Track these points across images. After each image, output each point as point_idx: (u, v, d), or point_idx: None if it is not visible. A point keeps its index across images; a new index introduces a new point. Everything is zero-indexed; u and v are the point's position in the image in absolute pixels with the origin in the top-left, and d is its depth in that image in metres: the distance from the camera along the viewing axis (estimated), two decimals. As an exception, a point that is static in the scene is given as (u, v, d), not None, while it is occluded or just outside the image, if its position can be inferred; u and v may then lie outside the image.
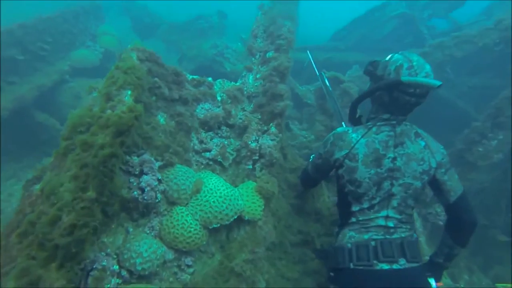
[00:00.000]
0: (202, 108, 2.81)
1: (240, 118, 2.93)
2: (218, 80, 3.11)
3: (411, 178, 2.10)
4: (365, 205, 2.15)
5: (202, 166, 2.62)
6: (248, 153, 2.68)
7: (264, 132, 2.85)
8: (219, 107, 2.90)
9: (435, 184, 2.21)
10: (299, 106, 4.60)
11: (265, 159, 2.65)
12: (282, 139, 2.86)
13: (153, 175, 2.06)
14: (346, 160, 2.18)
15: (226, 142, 2.79)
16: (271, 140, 2.73)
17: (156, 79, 2.43)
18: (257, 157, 2.69)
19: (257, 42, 3.66)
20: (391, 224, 2.11)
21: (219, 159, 2.66)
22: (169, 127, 2.46)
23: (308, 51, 4.09)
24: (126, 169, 2.00)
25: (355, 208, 2.19)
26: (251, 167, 2.70)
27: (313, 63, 3.82)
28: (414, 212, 2.31)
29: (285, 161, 3.14)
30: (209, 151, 2.65)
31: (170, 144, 2.37)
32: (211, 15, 8.53)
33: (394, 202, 2.12)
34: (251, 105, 3.14)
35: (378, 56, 2.20)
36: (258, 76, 3.37)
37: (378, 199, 2.12)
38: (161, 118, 2.46)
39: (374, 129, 2.18)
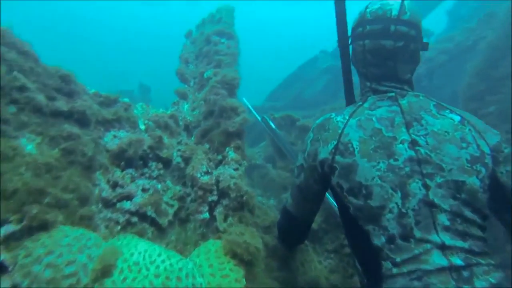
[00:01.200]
0: (114, 136, 1.71)
1: (179, 150, 1.89)
2: (139, 103, 2.12)
3: (457, 171, 1.20)
4: (394, 230, 1.18)
5: (119, 228, 1.41)
6: (200, 193, 1.58)
7: (219, 162, 1.83)
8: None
9: (496, 192, 1.27)
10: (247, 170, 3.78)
11: (230, 199, 1.57)
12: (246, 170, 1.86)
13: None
14: (337, 157, 1.29)
15: (159, 186, 1.67)
16: (233, 169, 1.71)
17: (16, 73, 1.34)
18: (215, 197, 1.60)
19: (189, 67, 2.86)
20: (457, 260, 1.12)
21: (149, 214, 1.50)
22: (46, 158, 1.29)
23: (244, 98, 3.53)
24: None
25: (377, 241, 1.20)
26: (207, 215, 1.57)
27: (251, 109, 3.23)
28: (485, 234, 1.26)
29: (252, 216, 2.07)
30: (130, 198, 1.49)
31: (46, 189, 1.19)
32: (132, 89, 7.74)
33: (443, 219, 1.16)
34: (192, 138, 2.16)
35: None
36: (195, 104, 2.49)
37: (412, 216, 1.16)
38: (28, 144, 1.31)
39: (366, 104, 1.38)
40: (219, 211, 1.56)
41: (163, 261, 1.23)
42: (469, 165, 1.20)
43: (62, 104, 1.45)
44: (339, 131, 1.32)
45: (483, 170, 1.21)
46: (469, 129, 1.27)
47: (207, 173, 1.68)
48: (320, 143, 1.36)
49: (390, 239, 1.17)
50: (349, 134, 1.30)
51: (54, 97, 1.45)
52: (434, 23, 8.11)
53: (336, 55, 7.49)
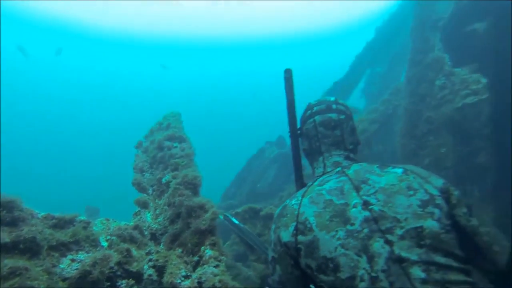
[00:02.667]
0: (72, 261, 1.50)
1: (150, 260, 1.71)
2: (98, 219, 1.95)
3: (412, 218, 1.19)
4: None
5: None
6: (184, 302, 1.38)
7: (197, 263, 1.67)
8: (106, 254, 1.64)
9: (461, 238, 1.26)
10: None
11: (217, 300, 1.39)
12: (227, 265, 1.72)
13: None
14: (299, 237, 1.27)
15: (132, 309, 1.44)
16: (214, 266, 1.56)
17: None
18: (201, 303, 1.41)
19: (145, 176, 2.80)
20: None
21: None
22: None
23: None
24: None
25: None
26: (196, 326, 1.35)
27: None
28: (470, 276, 1.19)
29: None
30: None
31: None
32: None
33: (417, 272, 1.09)
34: (161, 245, 1.99)
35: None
36: (158, 211, 2.37)
37: (384, 278, 1.09)
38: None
39: (315, 183, 1.44)
40: (208, 317, 1.35)
41: None
42: (421, 209, 1.20)
43: (4, 235, 1.27)
44: (296, 213, 1.33)
45: (436, 211, 1.21)
46: (413, 177, 1.31)
47: (186, 277, 1.51)
48: (281, 229, 1.35)
49: None
50: (304, 212, 1.30)
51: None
52: (355, 101, 9.37)
53: (280, 144, 8.04)
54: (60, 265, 1.43)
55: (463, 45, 4.66)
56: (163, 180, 2.52)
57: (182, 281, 1.47)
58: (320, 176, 1.50)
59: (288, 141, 7.31)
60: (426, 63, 4.97)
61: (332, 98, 1.72)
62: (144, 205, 2.39)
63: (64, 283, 1.35)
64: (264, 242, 2.77)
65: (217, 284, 1.41)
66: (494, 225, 4.33)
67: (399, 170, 1.35)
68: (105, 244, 1.76)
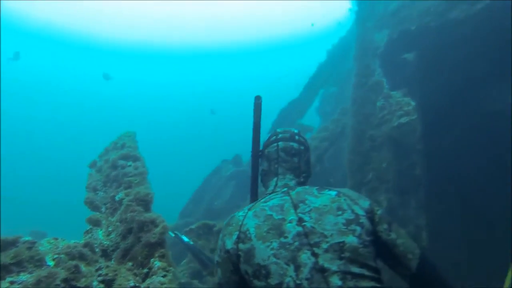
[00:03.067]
0: (10, 283, 1.54)
1: (100, 275, 1.78)
2: (44, 239, 1.98)
3: (337, 234, 1.41)
4: None
5: None
6: (131, 310, 1.48)
7: (146, 275, 1.77)
8: (54, 271, 1.69)
9: (382, 249, 1.54)
10: None
11: (163, 307, 1.51)
12: (175, 275, 1.84)
13: None
14: (240, 245, 1.46)
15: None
16: (162, 276, 1.68)
17: None
18: (148, 310, 1.51)
19: (98, 194, 2.83)
20: None
21: None
22: None
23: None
24: None
25: None
26: (142, 333, 1.45)
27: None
28: (381, 282, 1.44)
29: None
30: None
31: None
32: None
33: (335, 280, 1.30)
34: (112, 261, 2.06)
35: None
36: (110, 228, 2.43)
37: (307, 286, 1.29)
38: None
39: (262, 200, 1.66)
40: (154, 324, 1.46)
41: None
42: (345, 227, 1.42)
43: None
44: (240, 223, 1.52)
45: (358, 228, 1.43)
46: (344, 199, 1.54)
47: (135, 287, 1.60)
48: (226, 237, 1.53)
49: None
50: (247, 224, 1.49)
51: None
52: (310, 120, 9.88)
53: (237, 162, 8.22)
54: None
55: (397, 71, 5.25)
56: (117, 198, 2.58)
57: (130, 290, 1.56)
58: (269, 194, 1.69)
59: (244, 159, 7.54)
60: (368, 86, 5.49)
61: (296, 130, 1.93)
62: (96, 223, 2.43)
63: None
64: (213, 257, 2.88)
65: (164, 290, 1.53)
66: (426, 230, 4.81)
67: (333, 193, 1.57)
68: (51, 263, 1.79)
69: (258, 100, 1.98)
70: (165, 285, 1.55)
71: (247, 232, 1.45)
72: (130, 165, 2.98)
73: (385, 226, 1.51)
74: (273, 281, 1.30)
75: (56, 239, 2.00)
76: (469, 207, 5.10)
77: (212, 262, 2.73)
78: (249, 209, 1.57)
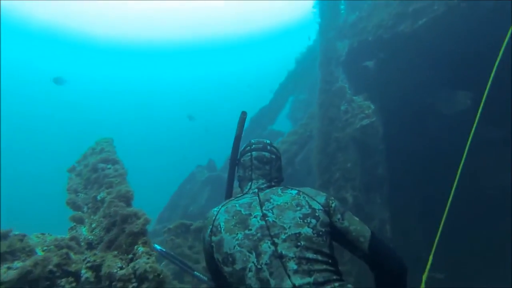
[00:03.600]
0: (8, 268, 1.70)
1: (89, 261, 1.95)
2: (33, 234, 2.12)
3: (294, 227, 1.64)
4: (255, 285, 1.53)
5: None
6: (119, 285, 1.68)
7: (131, 260, 1.97)
8: (45, 260, 1.85)
9: (340, 237, 1.79)
10: None
11: (149, 282, 1.72)
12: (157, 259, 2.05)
13: None
14: (213, 237, 1.71)
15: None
16: (146, 258, 1.89)
17: None
18: (135, 284, 1.71)
19: (80, 196, 2.97)
20: None
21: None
22: None
23: None
24: None
25: None
26: (131, 305, 1.65)
27: None
28: (334, 265, 1.70)
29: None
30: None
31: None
32: None
33: (292, 265, 1.54)
34: (97, 252, 2.22)
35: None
36: (94, 225, 2.58)
37: (266, 269, 1.53)
38: None
39: (235, 198, 1.92)
40: (141, 297, 1.67)
41: None
42: (301, 220, 1.67)
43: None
44: (213, 218, 1.77)
45: (313, 221, 1.68)
46: (303, 197, 1.80)
47: (121, 268, 1.80)
48: (204, 230, 1.80)
49: None
50: (219, 218, 1.75)
51: None
52: (280, 125, 10.27)
53: (211, 167, 8.40)
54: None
55: (358, 77, 5.72)
56: (98, 197, 2.73)
57: (118, 270, 1.76)
58: (243, 194, 1.95)
59: (218, 164, 7.74)
60: (332, 91, 5.92)
61: (268, 141, 2.18)
62: (79, 221, 2.57)
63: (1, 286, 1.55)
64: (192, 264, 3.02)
65: (148, 269, 1.74)
66: (390, 223, 5.22)
67: (294, 192, 1.84)
68: (41, 253, 1.95)
69: (243, 116, 2.26)
70: (149, 264, 1.76)
71: (218, 226, 1.70)
72: (109, 168, 3.14)
73: (339, 216, 1.77)
74: (238, 266, 1.55)
75: (44, 234, 2.15)
76: (429, 202, 5.56)
77: (188, 266, 2.90)
78: (222, 205, 1.83)
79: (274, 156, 2.09)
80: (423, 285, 2.29)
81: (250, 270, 1.51)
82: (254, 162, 2.05)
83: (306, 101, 10.57)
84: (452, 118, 5.46)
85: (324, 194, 1.87)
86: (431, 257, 2.51)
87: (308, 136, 6.75)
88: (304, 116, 8.41)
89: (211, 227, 1.73)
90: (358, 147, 5.58)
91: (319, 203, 1.77)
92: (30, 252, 1.87)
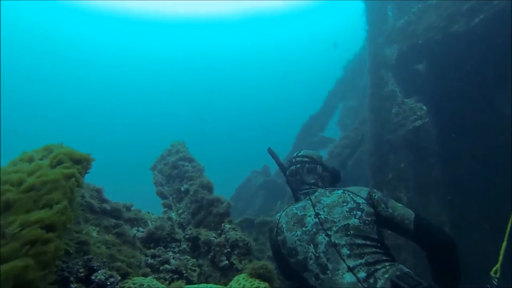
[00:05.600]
0: (137, 230, 2.21)
1: (187, 234, 2.42)
2: (142, 211, 2.65)
3: (343, 219, 1.93)
4: (316, 270, 1.84)
5: (167, 283, 1.82)
6: (217, 249, 2.11)
7: (219, 234, 2.40)
8: (155, 231, 2.36)
9: (387, 223, 2.03)
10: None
11: (239, 248, 2.13)
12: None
13: None
14: (278, 237, 2.08)
15: (183, 258, 2.14)
16: (235, 232, 2.31)
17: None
18: (229, 249, 2.13)
19: (164, 188, 3.52)
20: (362, 274, 1.73)
21: (184, 272, 1.95)
22: (108, 238, 1.77)
23: None
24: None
25: (310, 281, 1.85)
26: (227, 262, 2.07)
27: None
28: (384, 248, 1.94)
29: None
30: (168, 262, 1.94)
31: (117, 255, 1.66)
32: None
33: (345, 251, 1.82)
34: (192, 227, 2.70)
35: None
36: (180, 211, 3.08)
37: (323, 256, 1.85)
38: (92, 232, 1.78)
39: (291, 205, 2.28)
40: (234, 258, 2.08)
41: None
42: (348, 213, 1.97)
43: (106, 205, 1.99)
44: (277, 222, 2.17)
45: (359, 213, 1.98)
46: (348, 194, 2.11)
47: (215, 238, 2.23)
48: (271, 231, 2.19)
49: (316, 277, 1.83)
50: (281, 221, 2.13)
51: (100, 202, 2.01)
52: (332, 133, 10.42)
53: (266, 172, 8.80)
54: (132, 232, 2.14)
55: (408, 80, 5.80)
56: (182, 188, 3.25)
57: (214, 239, 2.19)
58: (296, 201, 2.33)
59: (272, 170, 8.11)
60: (383, 95, 6.06)
61: (294, 154, 2.54)
62: (169, 207, 3.09)
63: (138, 241, 2.05)
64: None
65: (238, 238, 2.15)
66: (449, 224, 5.16)
67: (340, 191, 2.15)
68: (151, 225, 2.46)
69: (271, 151, 2.68)
70: (239, 235, 2.17)
71: (281, 228, 2.09)
72: (188, 165, 3.67)
73: (383, 205, 2.03)
74: (300, 257, 1.91)
75: (149, 212, 2.68)
76: (489, 205, 5.39)
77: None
78: (283, 211, 2.24)
79: (299, 165, 2.42)
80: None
81: (310, 259, 1.86)
82: (289, 178, 2.46)
83: (355, 108, 10.64)
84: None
85: (367, 188, 2.16)
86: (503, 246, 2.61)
87: (360, 140, 6.90)
88: (354, 122, 8.54)
89: (276, 229, 2.12)
90: (410, 149, 5.63)
91: (362, 197, 2.06)
92: (145, 223, 2.38)
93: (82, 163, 1.42)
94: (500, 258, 2.49)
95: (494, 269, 2.41)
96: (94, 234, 1.78)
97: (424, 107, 5.18)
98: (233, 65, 40.90)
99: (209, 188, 2.95)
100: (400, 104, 5.67)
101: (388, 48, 6.02)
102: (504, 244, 2.58)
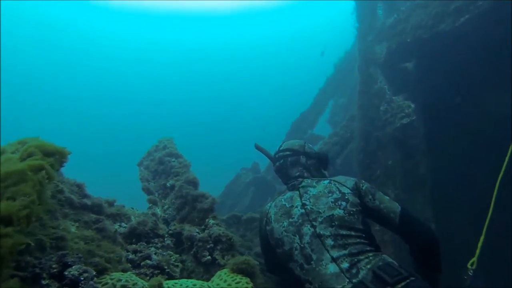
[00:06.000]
0: (119, 226, 2.18)
1: (170, 229, 2.40)
2: (126, 207, 2.62)
3: (328, 210, 1.94)
4: (301, 260, 1.87)
5: (147, 278, 1.80)
6: (200, 244, 2.09)
7: (203, 230, 2.38)
8: (138, 226, 2.33)
9: (373, 214, 2.05)
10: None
11: (222, 244, 2.12)
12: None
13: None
14: (266, 227, 2.12)
15: (165, 254, 2.12)
16: (218, 227, 2.29)
17: (56, 182, 1.86)
18: (212, 245, 2.12)
19: (150, 184, 3.48)
20: (345, 264, 1.74)
21: (165, 268, 1.93)
22: (87, 234, 1.74)
23: None
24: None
25: (296, 272, 1.88)
26: (209, 257, 2.05)
27: None
28: (368, 238, 1.95)
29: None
30: (149, 258, 1.91)
31: (96, 251, 1.63)
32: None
33: (329, 241, 1.84)
34: (176, 223, 2.67)
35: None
36: (165, 207, 3.06)
37: (308, 247, 1.86)
38: (71, 227, 1.75)
39: (280, 196, 2.31)
40: (217, 253, 2.07)
41: (194, 284, 1.68)
42: (333, 204, 1.98)
43: (86, 200, 1.95)
44: (266, 212, 2.21)
45: (343, 203, 1.98)
46: (334, 184, 2.12)
47: (199, 233, 2.21)
48: (261, 222, 2.23)
49: (301, 267, 1.86)
50: (270, 212, 2.17)
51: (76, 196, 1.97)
52: (322, 130, 10.45)
53: (255, 169, 8.80)
54: (113, 227, 2.10)
55: (397, 78, 5.85)
56: (168, 184, 3.21)
57: (197, 234, 2.17)
58: (285, 191, 2.34)
59: (261, 167, 8.09)
60: (372, 93, 6.09)
61: (277, 148, 2.54)
62: (154, 202, 3.06)
63: (119, 236, 2.02)
64: None
65: (221, 234, 2.14)
66: (434, 221, 5.23)
67: (326, 181, 2.16)
68: (134, 220, 2.43)
69: (258, 146, 2.71)
70: (221, 230, 2.16)
71: (269, 218, 2.13)
72: (174, 161, 3.63)
73: (370, 196, 2.05)
74: (286, 247, 1.95)
75: (133, 208, 2.64)
76: (474, 202, 5.46)
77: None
78: (273, 201, 2.27)
79: (282, 161, 2.42)
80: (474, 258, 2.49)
81: (295, 249, 1.89)
82: (276, 173, 2.50)
83: (345, 106, 10.69)
84: (499, 117, 5.38)
85: (354, 178, 2.17)
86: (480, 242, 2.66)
87: (349, 137, 6.94)
88: (344, 119, 8.59)
89: (265, 219, 2.15)
90: (398, 146, 5.68)
91: (347, 187, 2.07)
92: (128, 218, 2.35)
93: (54, 155, 1.38)
94: (477, 251, 2.56)
95: (471, 261, 2.49)
96: (73, 229, 1.75)
97: (412, 105, 5.22)
98: (224, 60, 40.75)
99: (194, 183, 2.93)
100: (389, 102, 5.71)
101: (378, 45, 6.05)
102: (482, 237, 2.64)
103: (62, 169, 2.07)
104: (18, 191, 1.05)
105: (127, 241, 2.04)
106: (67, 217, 1.79)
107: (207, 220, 2.44)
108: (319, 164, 2.51)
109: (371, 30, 6.38)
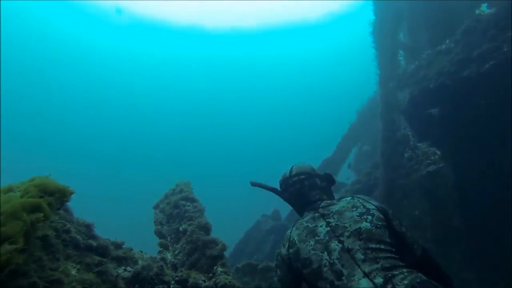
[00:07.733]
0: (124, 270, 2.11)
1: (177, 276, 2.29)
2: (134, 250, 2.55)
3: (354, 224, 1.88)
4: (331, 276, 1.74)
5: (145, 330, 1.67)
6: (205, 294, 1.96)
7: (211, 278, 2.25)
8: (144, 271, 2.24)
9: (395, 236, 1.93)
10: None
11: (228, 294, 1.97)
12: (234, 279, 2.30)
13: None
14: (290, 250, 1.98)
15: (167, 304, 2.00)
16: (226, 276, 2.16)
17: (64, 221, 1.86)
18: (217, 295, 1.98)
19: (164, 228, 3.42)
20: (379, 279, 1.65)
21: (166, 320, 1.80)
22: (86, 277, 1.68)
23: None
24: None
25: None
26: (214, 311, 1.90)
27: None
28: (399, 253, 1.83)
29: None
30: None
31: (93, 297, 1.56)
32: None
33: (359, 255, 1.75)
34: (183, 269, 2.56)
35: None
36: (176, 252, 2.96)
37: (338, 263, 1.76)
38: (72, 269, 1.70)
39: (300, 219, 2.17)
40: (222, 306, 1.92)
41: None
42: (358, 217, 1.88)
43: (92, 242, 1.92)
44: (288, 237, 2.07)
45: (369, 217, 1.88)
46: (357, 200, 2.02)
47: (205, 281, 2.09)
48: (281, 247, 2.08)
49: (331, 284, 1.71)
50: (292, 235, 2.03)
51: (83, 237, 1.94)
52: (344, 177, 10.17)
53: (276, 216, 8.56)
54: (117, 271, 2.03)
55: (421, 124, 5.71)
56: (180, 229, 3.14)
57: (202, 282, 2.05)
58: (304, 215, 2.19)
59: (283, 214, 7.89)
60: (395, 139, 5.95)
61: (287, 175, 2.35)
62: (165, 247, 2.98)
63: (122, 281, 1.94)
64: None
65: (228, 283, 2.01)
66: (477, 283, 4.73)
67: (349, 198, 2.08)
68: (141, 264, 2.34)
69: (254, 183, 2.55)
70: (228, 280, 2.03)
71: (294, 241, 1.98)
72: (189, 205, 3.59)
73: (397, 221, 1.96)
74: (314, 265, 1.78)
75: (142, 251, 2.57)
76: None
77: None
78: (293, 226, 2.12)
79: (298, 185, 2.26)
80: None
81: (324, 266, 1.74)
82: (292, 201, 2.32)
83: (370, 153, 10.47)
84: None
85: (377, 202, 2.04)
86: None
87: (372, 185, 6.67)
88: (367, 166, 8.35)
89: (288, 243, 2.00)
90: (426, 195, 5.37)
91: (373, 204, 1.96)
92: (135, 262, 2.27)
93: (55, 194, 1.39)
94: None
95: None
96: (73, 272, 1.69)
97: (438, 152, 5.02)
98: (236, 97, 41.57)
99: (206, 229, 2.85)
100: (413, 149, 5.53)
101: (400, 92, 6.03)
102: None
103: (75, 209, 2.10)
104: (5, 232, 1.03)
105: (129, 286, 1.95)
106: (69, 258, 1.75)
107: (215, 267, 2.32)
108: (329, 184, 2.41)
109: (392, 76, 6.41)
